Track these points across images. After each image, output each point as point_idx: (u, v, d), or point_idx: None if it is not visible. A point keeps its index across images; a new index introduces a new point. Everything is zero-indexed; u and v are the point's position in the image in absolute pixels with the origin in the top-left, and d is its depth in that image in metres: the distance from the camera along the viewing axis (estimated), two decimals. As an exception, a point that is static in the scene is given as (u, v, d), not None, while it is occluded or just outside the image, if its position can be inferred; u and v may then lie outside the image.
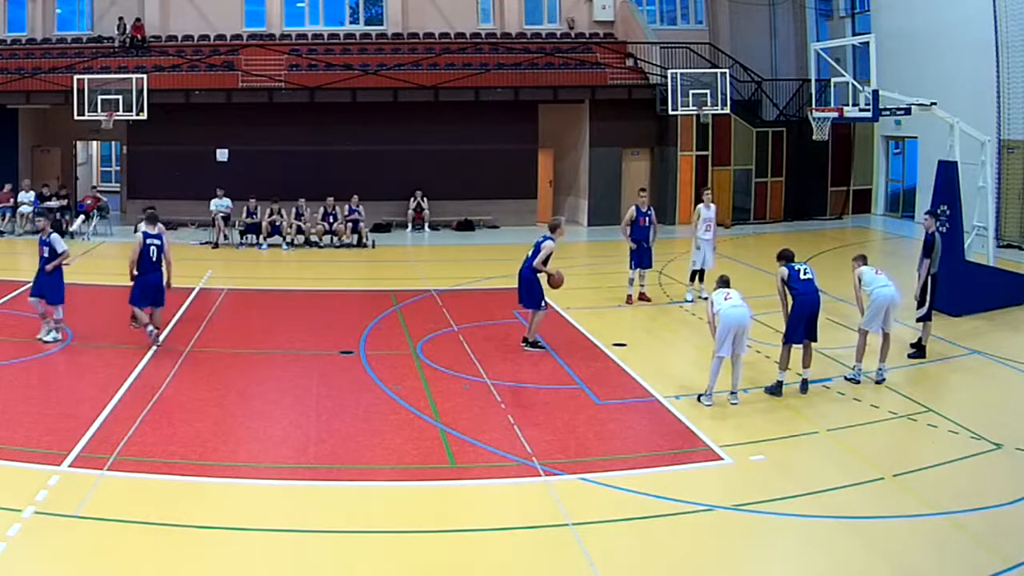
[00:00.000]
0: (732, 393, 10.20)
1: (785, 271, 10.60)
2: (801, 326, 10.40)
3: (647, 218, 15.18)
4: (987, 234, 15.60)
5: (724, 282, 10.47)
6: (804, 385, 10.57)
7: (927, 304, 12.16)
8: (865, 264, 11.29)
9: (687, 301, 15.32)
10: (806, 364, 10.57)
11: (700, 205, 15.65)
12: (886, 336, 10.97)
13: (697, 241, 15.35)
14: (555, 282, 12.33)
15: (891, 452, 8.99)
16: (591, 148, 24.59)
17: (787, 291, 10.60)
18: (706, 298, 11.75)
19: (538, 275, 12.27)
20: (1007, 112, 20.35)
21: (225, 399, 10.29)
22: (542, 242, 12.32)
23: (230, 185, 22.12)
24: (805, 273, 10.54)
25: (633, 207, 15.35)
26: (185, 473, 8.20)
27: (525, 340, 12.41)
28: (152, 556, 6.74)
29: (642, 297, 15.33)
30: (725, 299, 10.11)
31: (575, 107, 24.98)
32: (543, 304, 12.35)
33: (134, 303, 12.07)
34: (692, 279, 15.52)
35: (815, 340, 10.55)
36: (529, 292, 12.31)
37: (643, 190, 16.07)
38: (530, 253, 12.36)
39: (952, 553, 6.95)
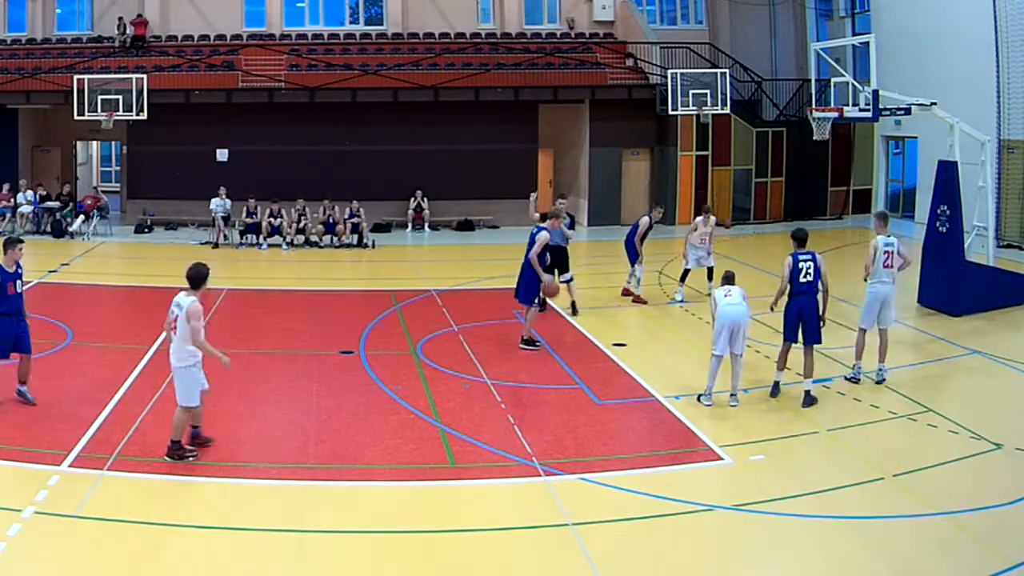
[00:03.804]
0: (732, 395, 10.15)
1: (790, 262, 10.22)
2: (795, 326, 10.23)
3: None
4: (987, 234, 15.57)
5: (728, 279, 10.42)
6: (807, 398, 10.14)
7: None
8: (883, 227, 11.07)
9: (678, 301, 15.37)
10: (808, 373, 10.19)
11: (698, 219, 15.75)
12: (883, 333, 10.94)
13: (686, 249, 15.63)
14: (547, 292, 12.35)
15: (891, 452, 8.97)
16: (591, 148, 24.59)
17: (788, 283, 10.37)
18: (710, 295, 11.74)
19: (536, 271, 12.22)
20: (1007, 112, 20.34)
21: (225, 399, 10.27)
22: (536, 233, 12.28)
23: (230, 185, 22.11)
24: (806, 275, 10.18)
25: (646, 217, 15.52)
26: (185, 473, 8.20)
27: (523, 340, 12.40)
28: (152, 556, 6.74)
29: (626, 292, 15.62)
30: (725, 296, 10.08)
31: (575, 107, 24.97)
32: (536, 302, 12.34)
33: None
34: (682, 279, 15.64)
35: (818, 342, 10.28)
36: (525, 286, 12.29)
37: (657, 204, 16.56)
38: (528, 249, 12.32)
39: (952, 553, 6.95)
